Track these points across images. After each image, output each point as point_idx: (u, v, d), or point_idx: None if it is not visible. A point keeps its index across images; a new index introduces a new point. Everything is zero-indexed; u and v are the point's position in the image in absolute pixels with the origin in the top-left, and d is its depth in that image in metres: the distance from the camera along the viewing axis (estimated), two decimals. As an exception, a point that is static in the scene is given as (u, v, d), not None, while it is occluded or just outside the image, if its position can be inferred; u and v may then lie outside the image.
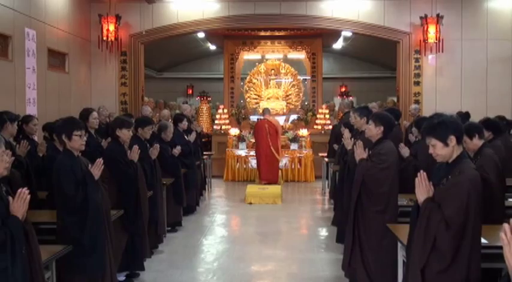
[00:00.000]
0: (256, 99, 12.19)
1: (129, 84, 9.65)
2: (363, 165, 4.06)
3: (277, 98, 12.06)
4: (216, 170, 10.66)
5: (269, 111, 10.00)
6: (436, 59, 9.58)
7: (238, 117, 11.75)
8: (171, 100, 14.93)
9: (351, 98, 16.52)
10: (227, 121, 11.66)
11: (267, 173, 9.48)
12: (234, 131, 10.94)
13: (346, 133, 5.33)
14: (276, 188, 8.62)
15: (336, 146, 7.46)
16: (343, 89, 17.64)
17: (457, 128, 2.73)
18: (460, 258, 2.54)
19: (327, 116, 11.57)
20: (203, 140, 10.52)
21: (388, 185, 3.97)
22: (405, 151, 5.12)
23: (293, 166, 10.52)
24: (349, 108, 8.03)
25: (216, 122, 11.77)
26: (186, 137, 7.31)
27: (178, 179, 6.34)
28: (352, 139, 4.93)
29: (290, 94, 12.21)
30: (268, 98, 12.07)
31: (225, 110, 11.81)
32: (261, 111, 11.44)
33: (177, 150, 6.47)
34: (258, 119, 11.13)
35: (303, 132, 10.84)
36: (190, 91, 18.36)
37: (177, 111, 11.41)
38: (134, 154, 4.61)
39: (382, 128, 4.08)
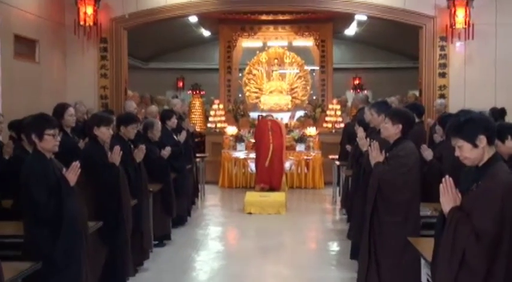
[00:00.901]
0: (256, 93, 12.15)
1: (110, 76, 9.59)
2: (379, 170, 4.06)
3: (281, 92, 11.99)
4: (210, 175, 10.65)
5: (272, 117, 9.99)
6: (465, 46, 9.48)
7: (236, 114, 11.68)
8: (159, 94, 14.69)
9: (365, 91, 16.16)
10: (223, 118, 11.60)
11: (267, 175, 9.36)
12: (231, 130, 10.89)
13: (361, 132, 5.34)
14: (279, 196, 8.63)
15: (348, 147, 7.47)
16: (356, 82, 17.40)
17: (488, 126, 2.72)
18: (495, 276, 2.51)
19: (338, 113, 11.54)
20: (195, 140, 10.48)
21: (409, 192, 3.99)
22: (428, 153, 5.07)
23: (299, 170, 10.49)
24: (364, 103, 8.01)
25: (211, 119, 11.73)
26: (175, 136, 7.32)
27: (167, 185, 6.34)
28: (368, 139, 4.94)
29: (296, 87, 12.16)
30: (271, 92, 11.98)
31: (221, 106, 11.72)
32: (262, 106, 11.76)
33: (166, 151, 6.47)
34: (259, 115, 11.33)
35: (311, 131, 10.83)
36: (180, 84, 18.18)
37: (166, 107, 11.34)
38: (115, 156, 4.60)
39: (400, 127, 4.09)
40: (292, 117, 11.79)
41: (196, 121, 13.68)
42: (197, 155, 9.32)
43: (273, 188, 9.31)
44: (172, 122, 7.34)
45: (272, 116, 10.17)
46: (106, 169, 4.55)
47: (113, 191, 4.52)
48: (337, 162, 8.62)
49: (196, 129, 11.96)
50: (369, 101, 8.76)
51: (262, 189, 9.25)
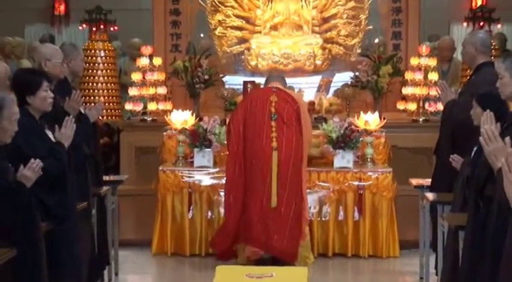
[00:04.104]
0: (240, 29, 12.38)
1: None
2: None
3: (299, 27, 12.26)
4: (133, 226, 11.21)
5: (282, 79, 10.57)
6: None
7: (193, 80, 12.02)
8: (10, 33, 15.01)
9: (499, 26, 16.49)
10: (163, 90, 11.98)
11: (266, 227, 9.81)
12: (181, 118, 11.16)
13: (489, 122, 5.70)
14: (293, 275, 8.85)
15: (455, 159, 7.91)
16: (475, 4, 18.00)
17: None
18: None
19: (434, 77, 11.84)
20: (100, 141, 10.75)
21: None
22: None
23: (341, 214, 10.71)
24: (487, 54, 8.39)
25: (132, 92, 12.13)
26: (50, 133, 7.58)
27: (32, 252, 6.69)
28: (507, 139, 5.11)
29: (333, 16, 12.43)
30: (275, 27, 12.25)
31: (158, 60, 12.04)
32: (253, 62, 11.71)
33: (29, 170, 6.83)
34: (245, 82, 11.37)
35: (369, 120, 11.03)
36: (61, 8, 18.57)
37: (26, 63, 11.71)
38: None
39: None
40: (324, 87, 11.95)
41: (99, 96, 13.73)
42: (104, 177, 9.59)
43: (278, 257, 9.67)
44: (43, 97, 7.53)
45: (282, 78, 10.66)
46: None
47: None
48: (430, 196, 8.73)
49: (101, 117, 11.67)
50: (504, 48, 9.17)
51: (255, 260, 9.62)
